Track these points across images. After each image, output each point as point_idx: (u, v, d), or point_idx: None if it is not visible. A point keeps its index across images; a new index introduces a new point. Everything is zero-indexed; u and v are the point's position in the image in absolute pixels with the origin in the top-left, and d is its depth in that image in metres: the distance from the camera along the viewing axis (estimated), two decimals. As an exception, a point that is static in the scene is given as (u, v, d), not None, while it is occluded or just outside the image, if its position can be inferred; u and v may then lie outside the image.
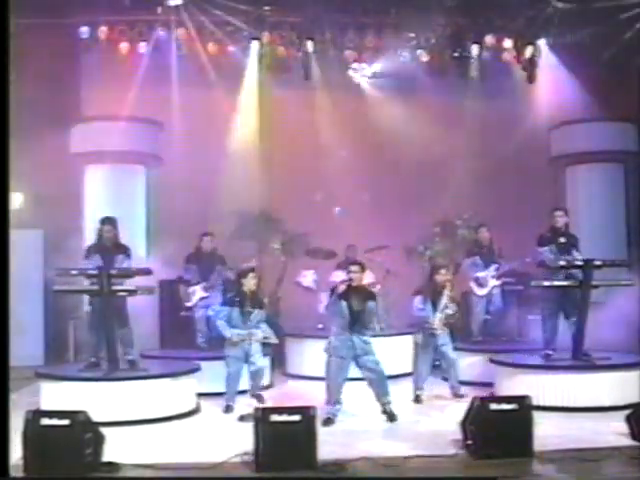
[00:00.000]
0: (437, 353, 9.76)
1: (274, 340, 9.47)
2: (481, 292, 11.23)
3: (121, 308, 9.47)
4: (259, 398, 9.27)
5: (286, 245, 13.19)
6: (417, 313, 9.73)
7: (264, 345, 9.44)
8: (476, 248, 11.43)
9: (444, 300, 9.62)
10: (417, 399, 9.69)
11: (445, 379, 10.06)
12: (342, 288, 8.49)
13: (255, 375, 9.31)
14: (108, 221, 9.59)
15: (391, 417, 8.59)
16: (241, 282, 9.34)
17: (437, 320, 9.58)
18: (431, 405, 9.60)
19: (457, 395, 9.63)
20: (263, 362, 9.49)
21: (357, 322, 8.53)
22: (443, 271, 9.78)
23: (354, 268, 8.64)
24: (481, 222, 11.67)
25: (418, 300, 9.71)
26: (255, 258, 11.61)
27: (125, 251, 9.55)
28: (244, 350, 9.19)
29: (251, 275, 9.34)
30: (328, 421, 8.32)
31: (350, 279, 8.56)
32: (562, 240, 9.66)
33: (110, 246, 9.51)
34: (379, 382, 8.65)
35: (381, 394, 8.66)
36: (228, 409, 9.11)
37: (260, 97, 13.73)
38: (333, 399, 8.55)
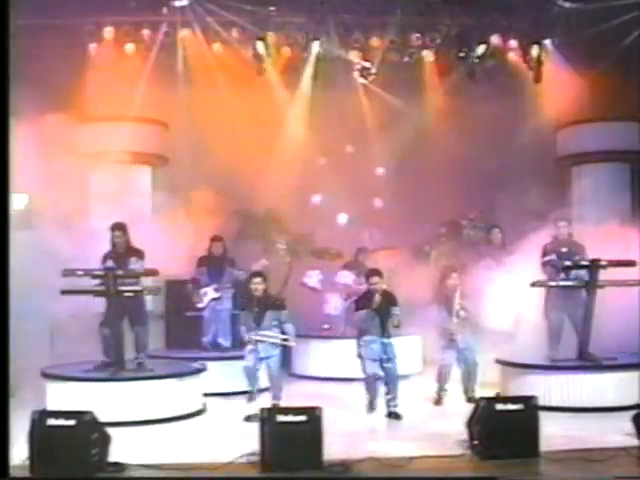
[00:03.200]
0: (459, 356, 9.73)
1: (292, 343, 9.27)
2: None
3: (138, 308, 9.55)
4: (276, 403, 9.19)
5: (291, 245, 13.20)
6: (436, 321, 9.78)
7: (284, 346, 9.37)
8: (488, 249, 11.49)
9: (457, 304, 9.61)
10: (438, 401, 9.73)
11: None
12: (377, 302, 8.88)
13: (272, 382, 9.26)
14: (117, 227, 9.65)
15: (397, 417, 8.78)
16: (249, 286, 9.38)
17: (453, 325, 9.57)
18: (438, 405, 9.61)
19: (471, 400, 9.31)
20: (277, 368, 9.27)
21: (386, 327, 8.96)
22: (454, 275, 9.77)
23: (375, 279, 9.01)
24: (493, 224, 11.73)
25: (434, 307, 9.75)
26: (265, 258, 11.64)
27: (138, 254, 9.58)
28: (259, 350, 9.15)
29: (256, 280, 9.34)
30: (370, 409, 8.92)
31: (376, 290, 8.93)
32: (564, 250, 9.69)
33: (123, 251, 9.56)
34: (393, 384, 8.98)
35: (391, 398, 8.93)
36: (250, 398, 9.12)
37: (267, 97, 13.72)
38: (376, 399, 8.99)
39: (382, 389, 9.03)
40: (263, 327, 9.17)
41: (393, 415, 8.82)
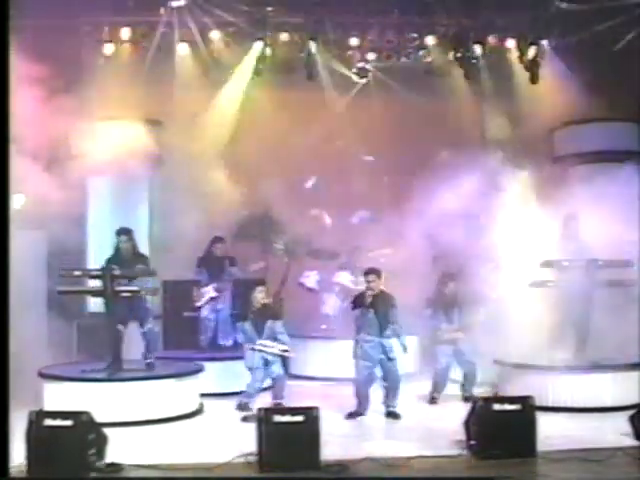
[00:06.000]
0: (457, 359, 9.75)
1: (290, 354, 9.35)
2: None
3: (140, 308, 9.49)
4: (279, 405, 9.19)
5: (289, 246, 13.18)
6: (429, 322, 9.81)
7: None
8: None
9: (456, 310, 9.68)
10: (433, 400, 9.74)
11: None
12: (369, 300, 8.81)
13: (275, 383, 9.24)
14: (123, 232, 9.57)
15: (395, 417, 8.79)
16: (251, 295, 9.36)
17: (450, 329, 9.63)
18: (434, 405, 9.61)
19: (468, 399, 9.34)
20: (280, 370, 9.29)
21: (385, 327, 8.82)
22: (452, 284, 9.81)
23: (372, 277, 8.92)
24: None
25: (428, 311, 9.80)
26: (263, 259, 11.66)
27: (144, 261, 9.51)
28: (263, 358, 9.17)
29: (259, 289, 9.36)
30: (355, 414, 8.68)
31: (371, 289, 8.86)
32: (571, 247, 9.68)
33: (128, 257, 9.45)
34: (394, 385, 8.94)
35: (391, 398, 8.93)
36: (245, 407, 9.09)
37: (264, 97, 13.72)
38: (364, 404, 8.83)
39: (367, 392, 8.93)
40: (264, 337, 9.18)
41: (392, 415, 8.81)
